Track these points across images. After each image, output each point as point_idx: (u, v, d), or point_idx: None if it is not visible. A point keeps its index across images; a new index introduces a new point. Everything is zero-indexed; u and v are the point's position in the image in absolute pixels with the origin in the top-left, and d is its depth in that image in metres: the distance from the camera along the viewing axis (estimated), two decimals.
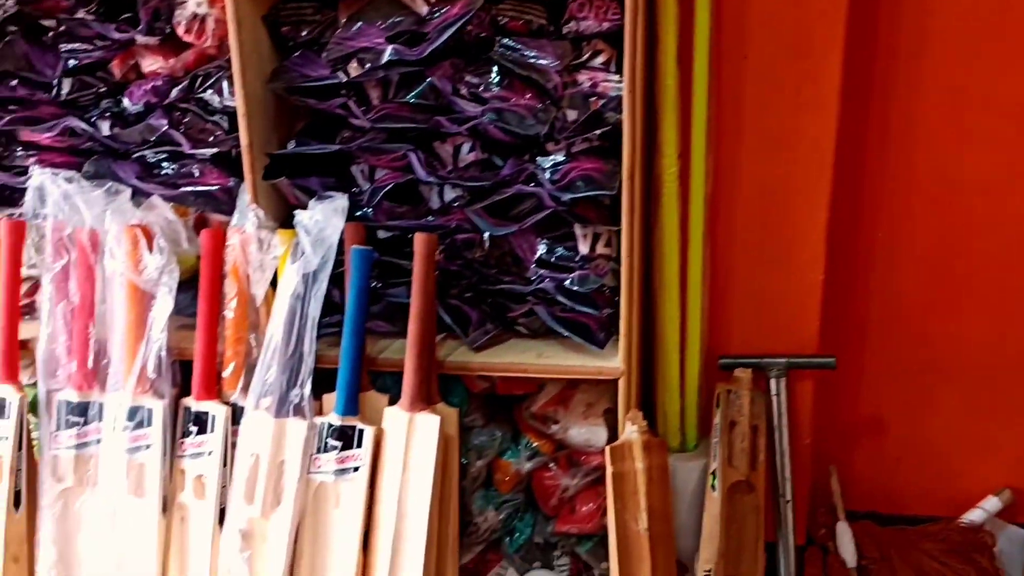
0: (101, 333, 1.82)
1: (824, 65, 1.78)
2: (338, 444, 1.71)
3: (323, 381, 1.74)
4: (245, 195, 1.77)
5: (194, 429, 1.79)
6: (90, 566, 1.86)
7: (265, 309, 1.79)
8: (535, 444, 1.91)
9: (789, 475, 1.95)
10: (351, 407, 1.72)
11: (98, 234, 1.79)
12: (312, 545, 1.74)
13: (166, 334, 1.76)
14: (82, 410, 1.82)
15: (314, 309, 1.71)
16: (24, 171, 1.87)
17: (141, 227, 1.76)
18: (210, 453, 1.78)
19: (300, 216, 1.71)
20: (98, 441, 1.83)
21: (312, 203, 1.73)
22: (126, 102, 1.82)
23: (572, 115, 1.67)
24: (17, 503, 1.83)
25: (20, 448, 1.82)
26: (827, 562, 2.04)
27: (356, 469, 1.71)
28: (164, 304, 1.76)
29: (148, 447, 1.79)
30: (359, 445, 1.71)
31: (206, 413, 1.78)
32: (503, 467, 1.92)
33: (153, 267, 1.74)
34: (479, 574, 1.99)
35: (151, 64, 1.81)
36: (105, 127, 1.82)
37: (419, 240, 1.68)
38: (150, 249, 1.75)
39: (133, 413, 1.77)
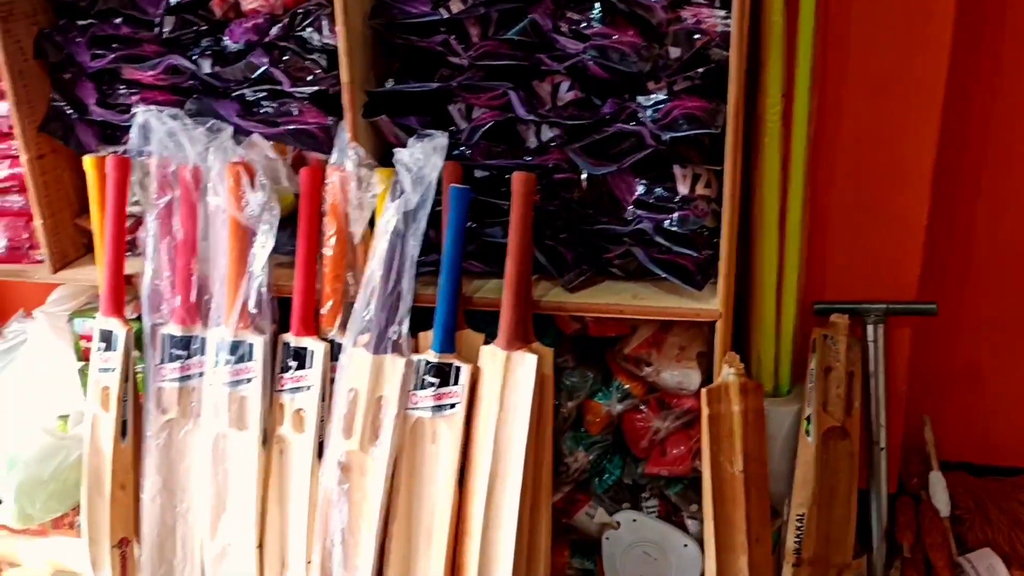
0: (203, 269, 1.86)
1: (937, 4, 1.72)
2: (435, 381, 1.73)
3: (419, 319, 1.76)
4: (344, 133, 1.78)
5: (293, 364, 1.82)
6: (192, 494, 1.92)
7: (363, 248, 1.81)
8: (626, 386, 1.91)
9: (884, 423, 1.93)
10: (448, 344, 1.73)
11: (201, 171, 1.82)
12: (408, 480, 1.77)
13: (267, 271, 1.79)
14: (185, 344, 1.86)
15: (413, 248, 1.72)
16: (126, 109, 1.90)
17: (243, 164, 1.78)
18: (309, 388, 1.81)
19: (400, 154, 1.72)
20: (200, 374, 1.88)
21: (411, 141, 1.73)
22: (226, 40, 1.83)
23: (675, 53, 1.64)
24: (124, 433, 1.89)
25: (126, 380, 1.87)
26: (919, 511, 2.02)
27: (452, 406, 1.73)
28: (265, 241, 1.78)
29: (249, 381, 1.83)
30: (456, 382, 1.73)
31: (305, 349, 1.81)
32: (594, 408, 1.93)
33: (255, 204, 1.77)
34: (568, 514, 2.02)
35: (251, 2, 1.82)
36: (206, 65, 1.84)
37: (517, 180, 1.68)
38: (252, 187, 1.77)
39: (235, 348, 1.81)
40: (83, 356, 2.08)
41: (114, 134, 1.97)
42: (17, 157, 1.99)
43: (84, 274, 2.00)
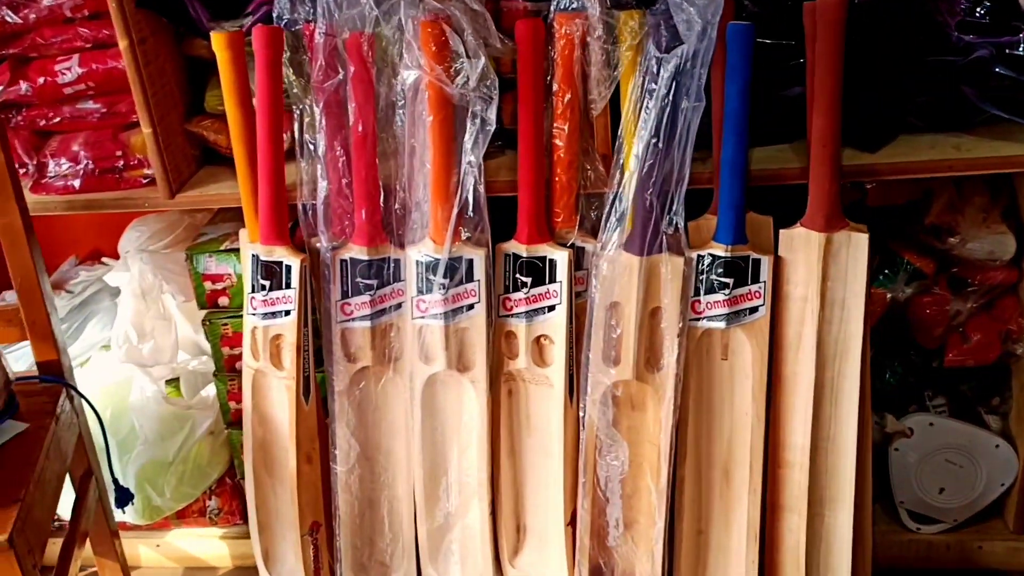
0: (389, 169, 1.42)
1: None
2: (728, 281, 1.35)
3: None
4: None
5: (527, 280, 1.41)
6: (398, 459, 1.52)
7: (602, 122, 1.39)
8: (915, 265, 1.56)
9: None
10: (740, 233, 1.35)
11: (375, 39, 1.37)
12: (697, 408, 1.41)
13: (482, 164, 1.37)
14: (376, 270, 1.43)
15: (691, 113, 1.31)
16: None
17: (444, 19, 1.33)
18: (553, 308, 1.41)
19: None
20: (398, 307, 1.46)
21: None
22: None
23: None
24: (307, 392, 1.47)
25: (306, 324, 1.44)
26: None
27: (754, 310, 1.36)
28: (483, 123, 1.35)
29: (471, 308, 1.42)
30: (754, 280, 1.36)
31: (543, 259, 1.40)
32: (875, 297, 1.58)
33: (469, 73, 1.32)
34: None
35: None
36: None
37: (824, 6, 1.28)
38: (462, 51, 1.33)
39: (447, 268, 1.39)
40: (207, 302, 1.63)
41: (231, 3, 1.47)
42: (86, 49, 1.50)
43: (213, 194, 1.53)
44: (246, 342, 1.49)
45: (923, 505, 1.65)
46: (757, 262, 1.35)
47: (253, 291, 1.45)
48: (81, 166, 1.56)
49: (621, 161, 1.36)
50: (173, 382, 1.79)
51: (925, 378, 1.65)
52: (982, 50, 1.34)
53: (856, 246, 1.32)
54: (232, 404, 1.69)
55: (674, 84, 1.29)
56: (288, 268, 1.41)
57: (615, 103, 1.38)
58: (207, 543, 1.83)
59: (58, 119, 1.56)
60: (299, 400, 1.45)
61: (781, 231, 1.36)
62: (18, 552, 1.18)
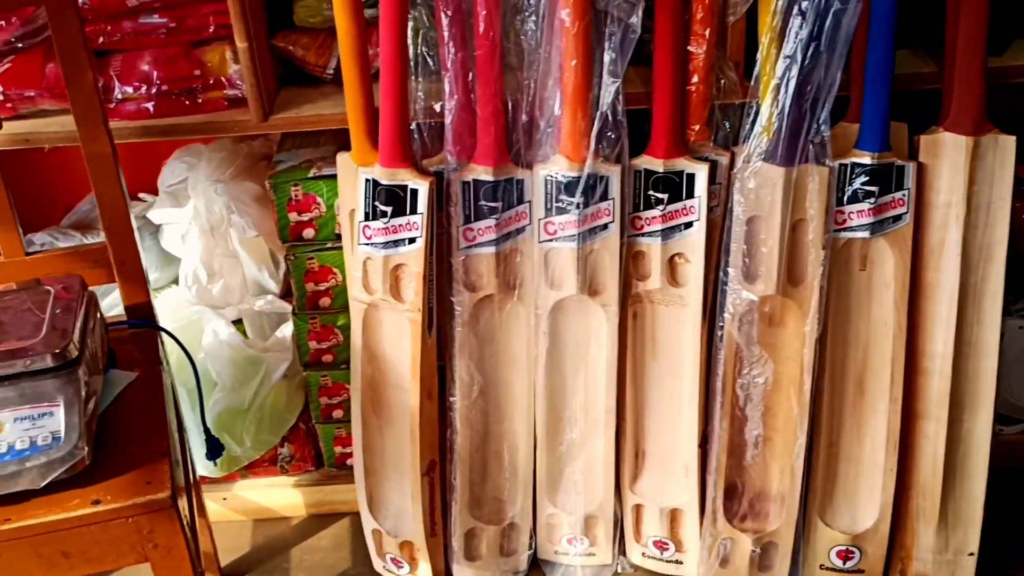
0: (508, 84, 1.33)
1: None
2: (873, 190, 1.33)
3: None
4: None
5: (663, 197, 1.35)
6: (519, 392, 1.46)
7: (740, 26, 1.33)
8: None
9: None
10: (885, 140, 1.32)
11: None
12: (833, 321, 1.39)
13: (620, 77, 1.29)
14: (501, 192, 1.35)
15: (847, 16, 1.26)
16: None
17: None
18: (687, 225, 1.36)
19: None
20: (520, 231, 1.38)
21: None
22: None
23: None
24: (430, 324, 1.38)
25: (431, 252, 1.34)
26: None
27: (897, 218, 1.34)
28: (627, 29, 1.27)
29: (604, 228, 1.35)
30: (898, 188, 1.34)
31: (680, 173, 1.34)
32: None
33: None
34: None
35: None
36: None
37: None
38: None
39: (580, 186, 1.32)
40: (290, 235, 1.50)
41: None
42: None
43: (310, 115, 1.39)
44: (353, 275, 1.39)
45: (1008, 406, 1.69)
46: (902, 169, 1.33)
47: (368, 219, 1.34)
48: (153, 88, 1.40)
49: (756, 70, 1.31)
50: (236, 323, 1.66)
51: (1016, 283, 1.66)
52: None
53: (1004, 148, 1.31)
54: (312, 344, 1.58)
55: None
56: (414, 192, 1.31)
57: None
58: (278, 493, 1.72)
59: (119, 36, 1.39)
60: (424, 333, 1.36)
61: (922, 137, 1.34)
62: (179, 510, 1.07)
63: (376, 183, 1.32)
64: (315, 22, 1.40)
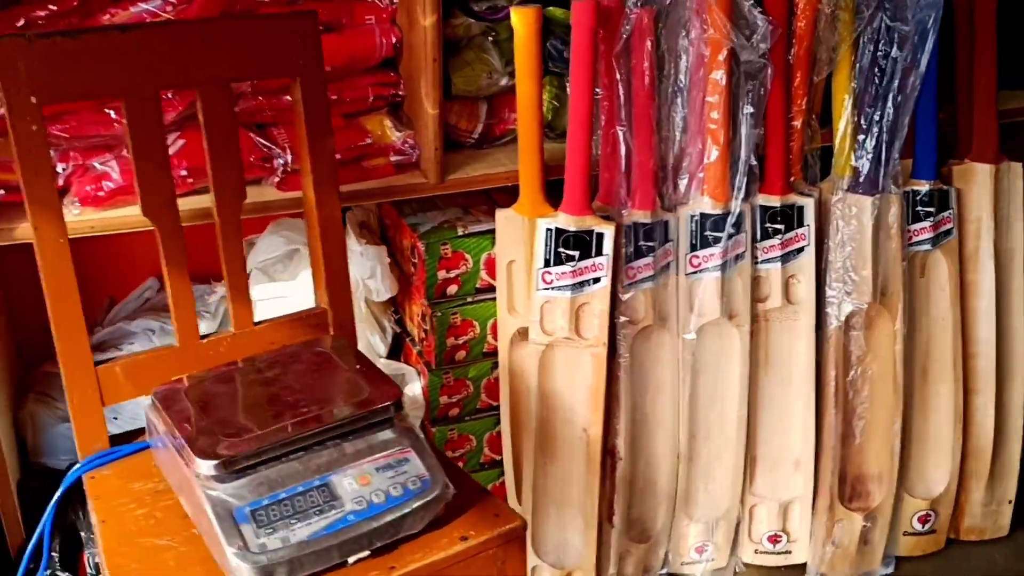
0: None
1: None
2: (931, 211, 1.66)
3: None
4: None
5: (780, 228, 1.59)
6: (665, 416, 1.61)
7: (819, 84, 1.62)
8: None
9: None
10: (937, 170, 1.66)
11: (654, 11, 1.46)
12: (910, 321, 1.69)
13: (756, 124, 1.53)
14: (656, 233, 1.52)
15: (918, 75, 1.58)
16: None
17: None
18: (799, 251, 1.61)
19: None
20: (666, 267, 1.55)
21: None
22: None
23: None
24: (612, 357, 1.50)
25: (614, 294, 1.48)
26: None
27: (947, 232, 1.68)
28: (761, 85, 1.51)
29: (738, 258, 1.56)
30: (946, 208, 1.67)
31: (791, 206, 1.59)
32: None
33: (762, 37, 1.47)
34: None
35: None
36: None
37: None
38: (750, 18, 1.48)
39: (722, 223, 1.53)
40: (435, 293, 1.57)
41: None
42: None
43: (478, 175, 1.49)
44: (534, 319, 1.48)
45: None
46: (947, 192, 1.66)
47: (548, 265, 1.46)
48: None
49: (843, 124, 1.60)
50: None
51: None
52: None
53: (1015, 173, 1.69)
54: (443, 399, 1.64)
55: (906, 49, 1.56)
56: (600, 236, 1.45)
57: None
58: None
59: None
60: (600, 367, 1.49)
61: (954, 167, 1.69)
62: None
63: (560, 231, 1.45)
64: (469, 91, 1.51)
